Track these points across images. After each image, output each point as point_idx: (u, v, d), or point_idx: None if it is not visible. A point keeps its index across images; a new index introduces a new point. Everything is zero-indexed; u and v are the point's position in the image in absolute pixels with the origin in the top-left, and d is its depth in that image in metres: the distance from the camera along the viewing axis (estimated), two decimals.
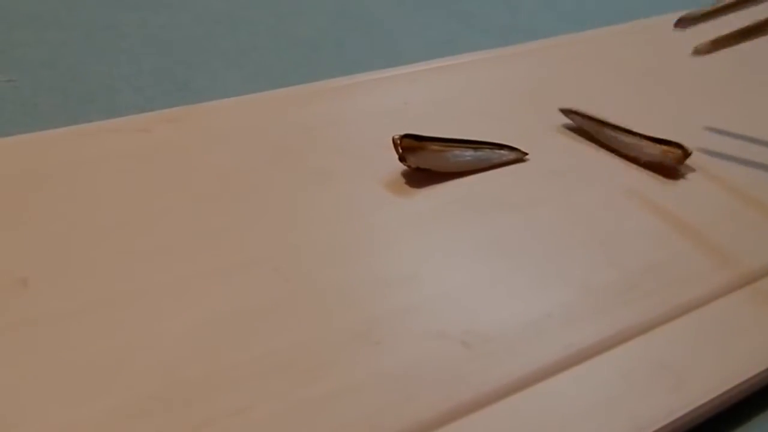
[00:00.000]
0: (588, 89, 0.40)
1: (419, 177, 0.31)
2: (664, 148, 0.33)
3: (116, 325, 0.23)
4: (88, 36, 0.44)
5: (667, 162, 0.32)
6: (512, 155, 0.34)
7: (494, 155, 0.33)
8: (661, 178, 0.33)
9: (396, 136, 0.31)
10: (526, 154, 0.34)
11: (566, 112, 0.35)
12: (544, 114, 0.37)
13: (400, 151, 0.31)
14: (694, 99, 0.40)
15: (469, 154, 0.33)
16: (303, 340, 0.23)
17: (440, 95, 0.38)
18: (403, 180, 0.31)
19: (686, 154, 0.32)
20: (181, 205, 0.28)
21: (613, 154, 0.34)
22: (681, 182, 0.33)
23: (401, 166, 0.31)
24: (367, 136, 0.34)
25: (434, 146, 0.32)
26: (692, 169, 0.34)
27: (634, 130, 0.34)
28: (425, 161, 0.31)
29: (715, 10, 0.31)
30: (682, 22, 0.32)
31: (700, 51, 0.32)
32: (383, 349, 0.23)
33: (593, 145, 0.35)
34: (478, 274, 0.27)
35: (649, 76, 0.42)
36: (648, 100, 0.40)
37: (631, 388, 0.22)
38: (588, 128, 0.34)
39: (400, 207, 0.30)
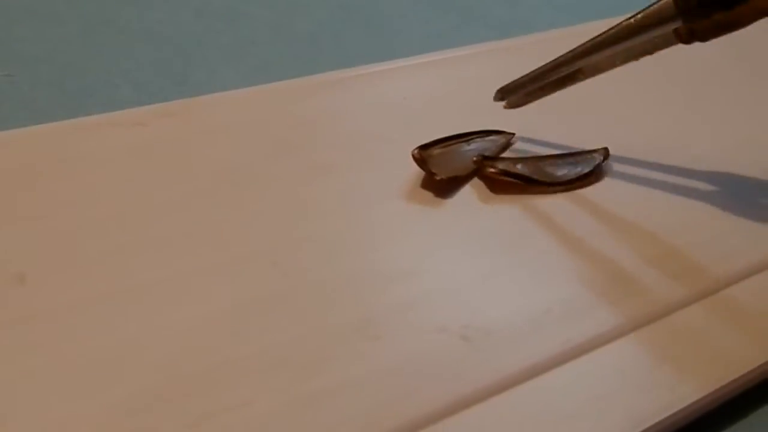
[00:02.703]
0: (589, 81, 0.40)
1: (419, 171, 0.31)
2: None
3: (114, 320, 0.23)
4: (86, 30, 0.44)
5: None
6: (502, 139, 0.34)
7: (487, 143, 0.33)
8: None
9: (415, 151, 0.31)
10: (513, 134, 0.34)
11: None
12: (543, 106, 0.37)
13: (427, 168, 0.30)
14: (693, 90, 0.40)
15: (465, 149, 0.33)
16: (302, 334, 0.23)
17: (439, 88, 0.38)
18: (402, 174, 0.31)
19: None
20: (180, 199, 0.28)
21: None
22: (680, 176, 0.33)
23: (401, 160, 0.31)
24: (366, 129, 0.34)
25: (436, 150, 0.32)
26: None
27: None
28: (447, 169, 0.31)
29: (530, 79, 0.32)
30: (501, 96, 0.33)
31: (513, 104, 0.33)
32: (383, 344, 0.23)
33: None
34: (478, 269, 0.27)
35: (647, 68, 0.42)
36: (645, 91, 0.40)
37: (629, 383, 0.22)
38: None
39: (400, 201, 0.30)
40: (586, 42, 0.30)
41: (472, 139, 0.33)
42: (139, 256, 0.25)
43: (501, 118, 0.35)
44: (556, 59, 0.31)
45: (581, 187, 0.31)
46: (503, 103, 0.33)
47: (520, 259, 0.27)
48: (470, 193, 0.30)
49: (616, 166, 0.33)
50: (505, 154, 0.33)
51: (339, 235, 0.27)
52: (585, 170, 0.32)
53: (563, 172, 0.32)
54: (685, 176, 0.33)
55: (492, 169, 0.30)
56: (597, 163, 0.33)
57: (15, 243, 0.25)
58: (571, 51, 0.31)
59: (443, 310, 0.24)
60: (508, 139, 0.34)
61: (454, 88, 0.38)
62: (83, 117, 0.33)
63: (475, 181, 0.31)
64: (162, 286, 0.24)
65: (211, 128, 0.33)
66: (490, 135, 0.34)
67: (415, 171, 0.31)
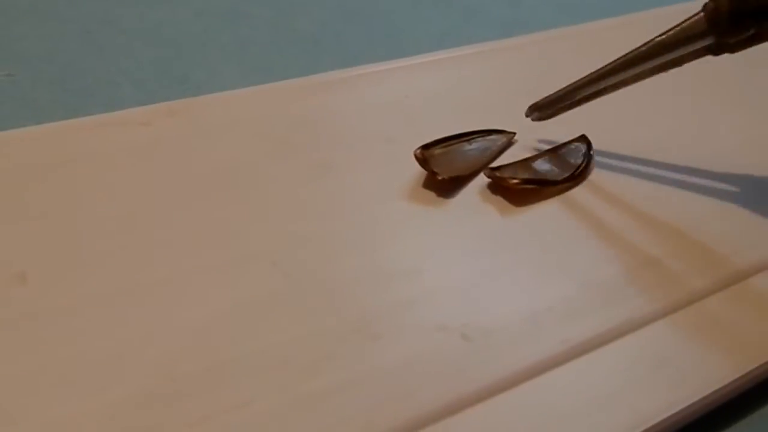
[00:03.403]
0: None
1: (420, 171, 0.31)
2: None
3: (116, 319, 0.23)
4: (87, 30, 0.44)
5: None
6: (503, 138, 0.34)
7: (488, 143, 0.33)
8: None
9: (417, 150, 0.31)
10: (515, 134, 0.34)
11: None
12: None
13: (429, 168, 0.30)
14: (695, 91, 0.40)
15: (467, 148, 0.33)
16: (302, 334, 0.23)
17: (441, 88, 0.38)
18: (403, 173, 0.31)
19: None
20: (181, 198, 0.28)
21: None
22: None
23: (402, 160, 0.31)
24: (368, 129, 0.34)
25: (438, 150, 0.32)
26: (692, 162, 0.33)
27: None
28: (450, 169, 0.31)
29: (559, 97, 0.32)
30: (533, 112, 0.33)
31: (541, 119, 0.33)
32: (383, 343, 0.23)
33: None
34: (478, 268, 0.27)
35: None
36: (647, 88, 0.40)
37: (631, 382, 0.22)
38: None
39: (400, 201, 0.30)
40: (618, 59, 0.30)
41: (473, 138, 0.33)
42: (139, 256, 0.25)
43: (501, 117, 0.35)
44: (586, 76, 0.31)
45: (585, 178, 0.32)
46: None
47: (521, 258, 0.27)
48: (471, 192, 0.30)
49: (616, 165, 0.33)
50: (501, 159, 0.33)
51: (339, 235, 0.27)
52: (579, 161, 0.32)
53: (560, 167, 0.32)
54: (687, 174, 0.33)
55: (514, 180, 0.30)
56: (584, 152, 0.33)
57: (16, 242, 0.25)
58: (602, 68, 0.31)
59: (444, 310, 0.24)
60: (509, 138, 0.34)
61: (455, 88, 0.38)
62: (84, 117, 0.33)
63: (476, 180, 0.31)
64: (163, 285, 0.24)
65: (213, 128, 0.33)
66: (491, 134, 0.34)
67: (416, 170, 0.31)
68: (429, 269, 0.26)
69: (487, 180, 0.31)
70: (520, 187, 0.30)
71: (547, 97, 0.33)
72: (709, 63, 0.30)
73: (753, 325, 0.25)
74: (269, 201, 0.29)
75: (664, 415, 0.22)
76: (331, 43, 0.45)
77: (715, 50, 0.29)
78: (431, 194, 0.30)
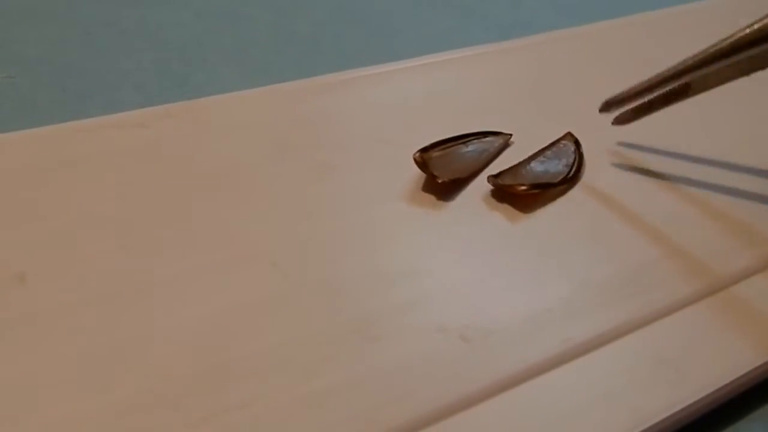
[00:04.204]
0: (588, 83, 0.40)
1: (418, 172, 0.31)
2: None
3: (115, 320, 0.23)
4: (86, 32, 0.44)
5: None
6: (500, 140, 0.34)
7: (484, 145, 0.33)
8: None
9: (416, 154, 0.31)
10: (510, 135, 0.34)
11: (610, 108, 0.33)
12: (544, 108, 0.37)
13: (428, 171, 0.30)
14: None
15: (464, 150, 0.33)
16: (302, 335, 0.23)
17: (439, 89, 0.38)
18: (402, 175, 0.31)
19: None
20: (180, 200, 0.28)
21: None
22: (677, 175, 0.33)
23: (401, 162, 0.31)
24: (367, 131, 0.34)
25: (436, 152, 0.32)
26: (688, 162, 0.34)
27: None
28: (450, 171, 0.31)
29: (636, 92, 0.31)
30: (608, 107, 0.32)
31: (622, 121, 0.33)
32: (383, 344, 0.23)
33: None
34: (477, 269, 0.27)
35: (650, 70, 0.42)
36: None
37: (631, 381, 0.22)
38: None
39: (400, 202, 0.30)
40: (697, 54, 0.29)
41: (469, 140, 0.33)
42: (138, 257, 0.25)
43: (501, 119, 0.35)
44: (664, 71, 0.30)
45: (579, 177, 0.32)
46: (610, 117, 0.32)
47: (520, 259, 0.27)
48: (470, 194, 0.30)
49: (615, 165, 0.33)
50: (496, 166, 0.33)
51: (339, 236, 0.27)
52: (570, 159, 0.32)
53: (555, 168, 0.32)
54: (686, 174, 0.33)
55: (523, 187, 0.30)
56: (573, 149, 0.33)
57: (15, 243, 0.25)
58: (680, 63, 0.30)
59: (443, 311, 0.24)
60: (505, 140, 0.34)
61: (454, 90, 0.38)
62: (84, 119, 0.33)
63: (475, 182, 0.31)
64: (161, 287, 0.24)
65: (212, 130, 0.33)
66: (487, 136, 0.34)
67: (415, 172, 0.31)
68: (428, 270, 0.26)
69: (485, 182, 0.31)
70: (528, 193, 0.30)
71: (621, 93, 0.31)
72: None
73: (753, 325, 0.25)
74: (269, 202, 0.29)
75: (664, 415, 0.22)
76: (329, 45, 0.45)
77: None
78: (430, 196, 0.30)
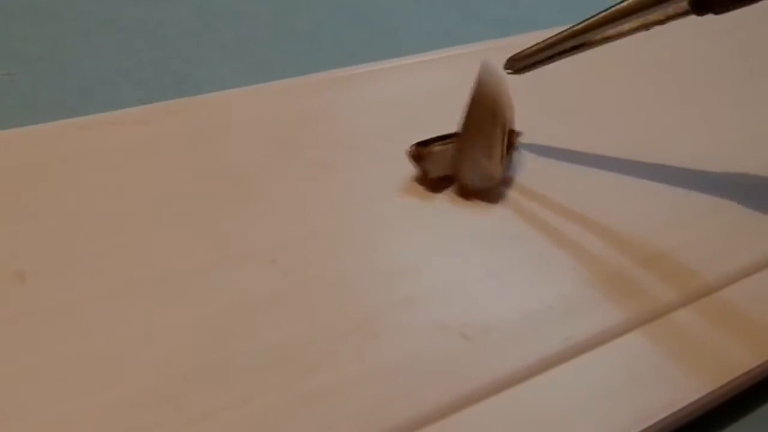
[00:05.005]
0: (586, 78, 0.40)
1: (419, 170, 0.31)
2: None
3: (114, 318, 0.23)
4: (86, 30, 0.44)
5: None
6: None
7: None
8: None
9: (409, 148, 0.30)
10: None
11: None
12: (543, 103, 0.37)
13: (422, 166, 0.30)
14: (693, 88, 0.40)
15: None
16: (302, 332, 0.23)
17: (439, 86, 0.38)
18: (402, 172, 0.31)
19: None
20: (180, 197, 0.28)
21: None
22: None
23: (400, 158, 0.31)
24: (366, 128, 0.34)
25: (437, 147, 0.32)
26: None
27: None
28: (442, 167, 0.30)
29: (539, 49, 0.32)
30: (511, 64, 0.33)
31: (514, 68, 0.33)
32: (383, 342, 0.23)
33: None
34: (477, 267, 0.26)
35: (649, 67, 0.42)
36: (641, 89, 0.40)
37: (632, 380, 0.22)
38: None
39: (399, 199, 0.30)
40: (599, 13, 0.30)
41: None
42: (137, 255, 0.25)
43: None
44: (567, 30, 0.31)
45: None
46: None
47: (520, 257, 0.27)
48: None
49: (615, 164, 0.33)
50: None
51: (338, 233, 0.27)
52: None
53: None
54: (684, 174, 0.33)
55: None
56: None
57: (14, 241, 0.25)
58: (583, 22, 0.30)
59: (443, 308, 0.24)
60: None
61: (454, 87, 0.38)
62: (84, 116, 0.33)
63: None
64: (161, 284, 0.24)
65: (212, 127, 0.33)
66: None
67: (414, 169, 0.31)
68: (428, 268, 0.26)
69: None
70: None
71: (524, 50, 0.32)
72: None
73: (757, 321, 0.25)
74: (268, 199, 0.29)
75: (665, 413, 0.21)
76: (328, 42, 0.45)
77: (699, 7, 0.29)
78: (430, 193, 0.30)
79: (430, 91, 0.37)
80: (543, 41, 0.32)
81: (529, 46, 0.32)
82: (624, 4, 0.29)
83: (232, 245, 0.26)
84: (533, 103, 0.37)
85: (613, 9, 0.29)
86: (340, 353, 0.22)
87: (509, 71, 0.33)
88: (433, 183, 0.30)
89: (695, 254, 0.28)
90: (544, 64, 0.32)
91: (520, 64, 0.33)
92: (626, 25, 0.30)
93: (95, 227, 0.26)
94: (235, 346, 0.22)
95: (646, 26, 0.30)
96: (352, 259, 0.26)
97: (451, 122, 0.34)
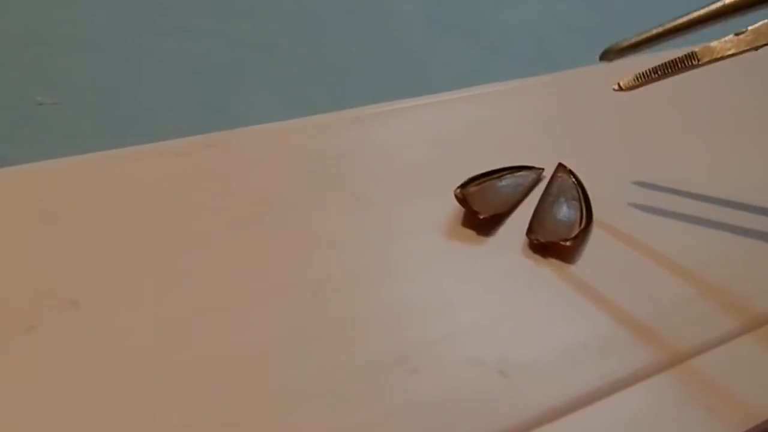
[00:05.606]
0: (613, 117, 0.40)
1: (454, 205, 0.31)
2: None
3: (161, 347, 0.24)
4: (127, 61, 0.45)
5: None
6: (532, 174, 0.34)
7: (518, 179, 0.34)
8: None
9: (456, 190, 0.31)
10: (542, 169, 0.35)
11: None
12: (572, 142, 0.38)
13: (472, 208, 0.31)
14: (727, 123, 0.40)
15: (500, 185, 0.33)
16: (342, 365, 0.24)
17: (469, 123, 0.39)
18: (437, 208, 0.31)
19: None
20: (222, 228, 0.29)
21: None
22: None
23: (435, 194, 0.32)
24: (403, 163, 0.35)
25: (473, 188, 0.32)
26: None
27: None
28: (487, 208, 0.31)
29: (638, 42, 0.30)
30: (607, 55, 0.31)
31: (624, 87, 0.32)
32: (421, 377, 0.24)
33: None
34: (513, 304, 0.27)
35: (672, 106, 0.42)
36: (670, 128, 0.40)
37: (664, 419, 0.23)
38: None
39: (436, 235, 0.30)
40: (702, 7, 0.28)
41: (503, 175, 0.34)
42: (181, 286, 0.26)
43: (530, 153, 0.35)
44: (669, 23, 0.29)
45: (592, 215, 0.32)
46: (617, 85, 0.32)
47: (556, 294, 0.28)
48: (506, 229, 0.31)
49: (650, 200, 0.33)
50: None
51: (377, 268, 0.28)
52: (574, 193, 0.33)
53: (570, 207, 0.32)
54: (719, 211, 0.33)
55: (567, 243, 0.30)
56: (572, 182, 0.33)
57: (65, 269, 0.26)
58: (686, 15, 0.29)
59: (480, 345, 0.25)
60: (538, 174, 0.34)
61: (485, 123, 0.39)
62: (126, 146, 0.34)
63: (512, 217, 0.32)
64: (204, 315, 0.25)
65: (251, 159, 0.34)
66: (521, 170, 0.34)
67: (449, 205, 0.31)
68: (465, 304, 0.27)
69: (520, 217, 0.31)
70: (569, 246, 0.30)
71: (624, 41, 0.30)
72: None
73: None
74: (307, 232, 0.29)
75: None
76: (362, 79, 0.46)
77: None
78: (467, 230, 0.30)
79: (460, 128, 0.38)
80: (643, 32, 0.30)
81: (627, 38, 0.30)
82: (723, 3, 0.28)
83: (272, 277, 0.27)
84: (560, 141, 0.38)
85: (719, 4, 0.28)
86: (380, 387, 0.23)
87: (606, 59, 0.31)
88: (480, 222, 0.31)
89: (729, 295, 0.28)
90: (650, 81, 0.31)
91: (616, 56, 0.31)
92: (733, 49, 0.29)
93: (140, 257, 0.27)
94: (281, 377, 0.23)
95: (756, 47, 0.29)
96: (389, 293, 0.27)
97: (484, 158, 0.34)
